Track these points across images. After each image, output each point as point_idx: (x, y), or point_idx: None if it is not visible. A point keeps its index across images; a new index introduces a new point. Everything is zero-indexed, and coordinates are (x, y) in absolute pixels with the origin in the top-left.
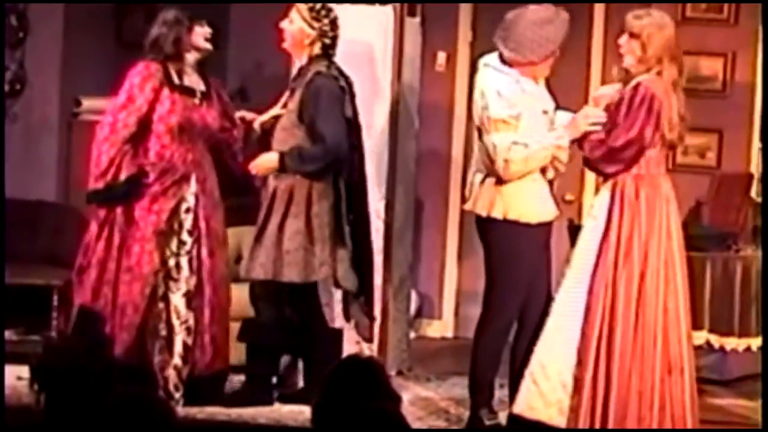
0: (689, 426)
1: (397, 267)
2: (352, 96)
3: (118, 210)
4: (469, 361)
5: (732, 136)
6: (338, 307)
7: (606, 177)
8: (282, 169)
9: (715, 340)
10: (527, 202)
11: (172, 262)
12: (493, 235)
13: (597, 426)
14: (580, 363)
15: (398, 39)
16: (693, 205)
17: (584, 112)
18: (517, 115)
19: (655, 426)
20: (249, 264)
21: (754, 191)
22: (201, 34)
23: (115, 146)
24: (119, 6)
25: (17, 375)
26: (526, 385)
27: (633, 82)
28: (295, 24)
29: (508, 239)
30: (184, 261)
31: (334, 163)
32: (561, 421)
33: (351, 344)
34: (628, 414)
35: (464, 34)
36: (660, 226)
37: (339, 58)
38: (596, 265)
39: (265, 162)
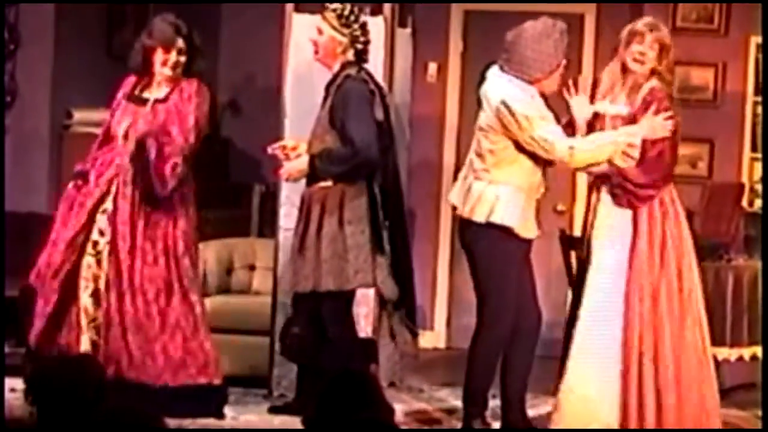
0: None
1: None
2: (383, 99)
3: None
4: (464, 372)
5: (723, 145)
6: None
7: (650, 196)
8: (312, 171)
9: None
10: (521, 215)
11: (84, 261)
12: (487, 242)
13: None
14: (625, 389)
15: (389, 50)
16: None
17: (661, 117)
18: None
19: None
20: (293, 278)
21: (746, 201)
22: (159, 60)
23: (89, 157)
24: (110, 19)
25: (9, 387)
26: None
27: (646, 88)
28: (326, 34)
29: (499, 246)
30: (92, 260)
31: (364, 165)
32: None
33: None
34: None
35: (455, 45)
36: (680, 231)
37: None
38: (629, 279)
39: (296, 165)
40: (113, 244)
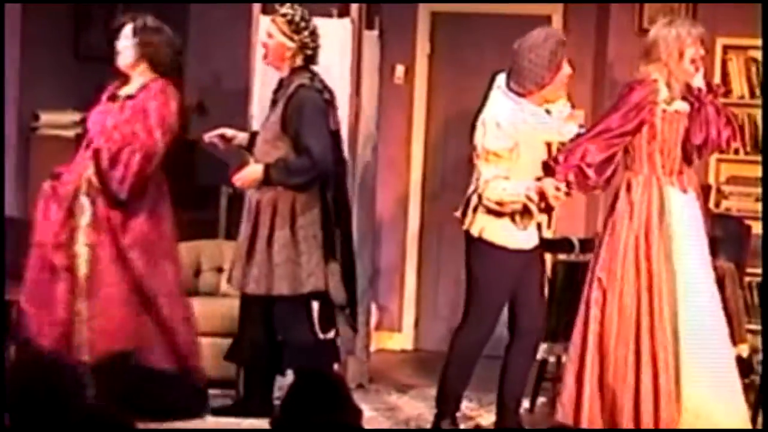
0: None
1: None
2: (335, 109)
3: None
4: (431, 373)
5: None
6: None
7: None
8: (267, 181)
9: None
10: (505, 229)
11: (76, 259)
12: (472, 251)
13: None
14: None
15: (356, 52)
16: None
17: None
18: (513, 147)
19: None
20: (243, 280)
21: (712, 202)
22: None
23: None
24: (77, 20)
25: None
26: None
27: (696, 88)
28: (275, 38)
29: (483, 257)
30: (83, 254)
31: (320, 176)
32: None
33: None
34: None
35: (422, 47)
36: None
37: None
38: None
39: (250, 174)
40: (110, 235)
